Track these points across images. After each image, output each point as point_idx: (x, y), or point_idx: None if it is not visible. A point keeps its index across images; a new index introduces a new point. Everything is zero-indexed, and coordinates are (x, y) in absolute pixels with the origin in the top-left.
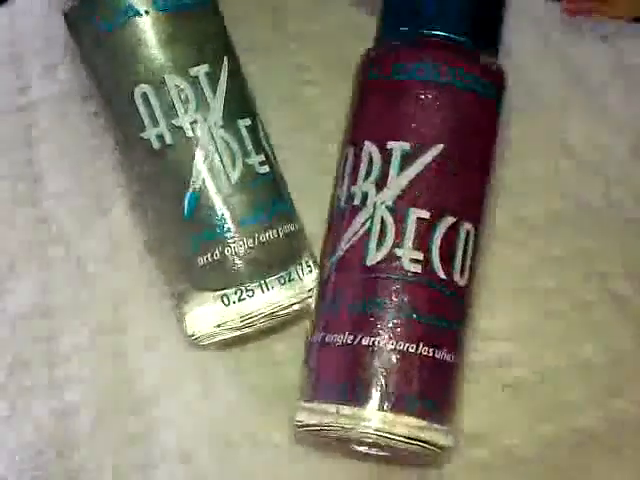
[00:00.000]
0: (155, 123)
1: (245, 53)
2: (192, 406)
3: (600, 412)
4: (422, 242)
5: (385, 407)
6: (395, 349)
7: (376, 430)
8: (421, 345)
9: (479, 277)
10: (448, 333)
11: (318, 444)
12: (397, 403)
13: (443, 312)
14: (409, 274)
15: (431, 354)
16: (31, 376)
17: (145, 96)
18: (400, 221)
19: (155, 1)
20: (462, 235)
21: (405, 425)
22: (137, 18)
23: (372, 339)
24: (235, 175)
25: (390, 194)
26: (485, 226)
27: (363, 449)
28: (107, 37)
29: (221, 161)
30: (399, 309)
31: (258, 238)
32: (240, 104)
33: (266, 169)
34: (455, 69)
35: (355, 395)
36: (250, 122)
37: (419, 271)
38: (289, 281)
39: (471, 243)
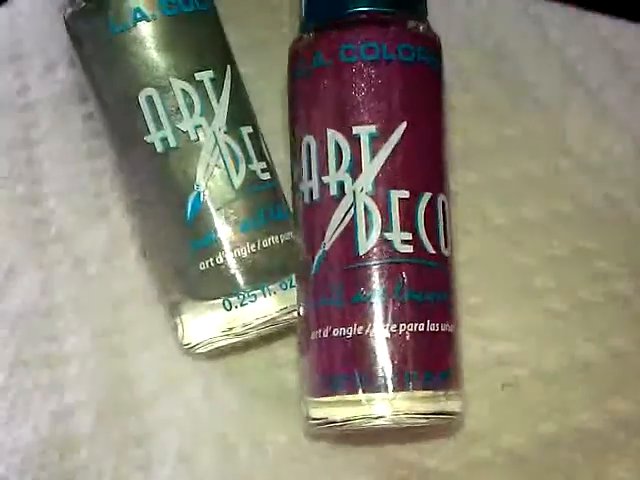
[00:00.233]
0: (160, 126)
1: (245, 53)
2: (192, 407)
3: (600, 411)
4: (408, 222)
5: (405, 387)
6: (405, 330)
7: (401, 412)
8: (428, 322)
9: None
10: (444, 304)
11: (329, 437)
12: (415, 381)
13: (438, 286)
14: (402, 256)
15: (438, 328)
16: (31, 377)
17: (150, 99)
18: (383, 205)
19: (162, 6)
20: (439, 208)
21: (426, 400)
22: (145, 22)
23: (381, 325)
24: (238, 180)
25: (368, 180)
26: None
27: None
28: (112, 41)
29: (225, 166)
30: (400, 291)
31: (260, 243)
32: (242, 112)
33: (267, 176)
34: (401, 43)
35: (374, 381)
36: (252, 130)
37: (411, 251)
38: (290, 287)
39: (447, 213)
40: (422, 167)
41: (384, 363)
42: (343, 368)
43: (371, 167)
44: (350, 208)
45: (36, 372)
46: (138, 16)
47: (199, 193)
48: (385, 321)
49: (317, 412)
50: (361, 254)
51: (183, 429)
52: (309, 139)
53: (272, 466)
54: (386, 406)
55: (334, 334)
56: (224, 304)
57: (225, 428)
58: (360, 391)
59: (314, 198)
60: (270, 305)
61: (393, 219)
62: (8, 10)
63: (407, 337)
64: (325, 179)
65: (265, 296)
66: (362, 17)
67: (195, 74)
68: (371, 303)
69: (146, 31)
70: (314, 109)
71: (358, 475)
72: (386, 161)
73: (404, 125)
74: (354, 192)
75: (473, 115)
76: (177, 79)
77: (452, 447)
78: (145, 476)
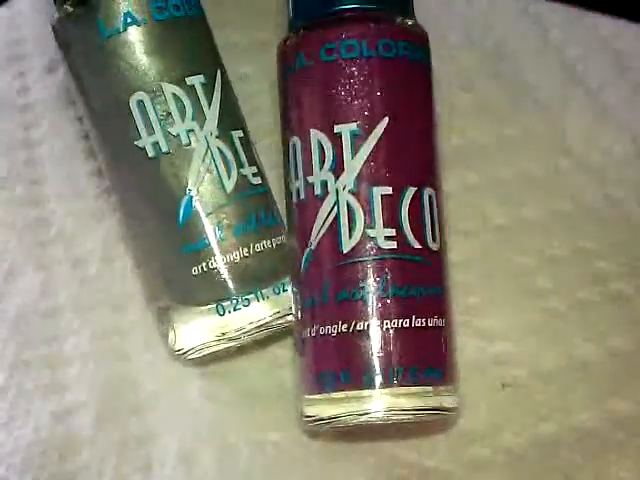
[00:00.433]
0: (151, 131)
1: (245, 53)
2: (192, 407)
3: (600, 411)
4: (391, 218)
5: (390, 383)
6: (389, 327)
7: (387, 409)
8: (413, 318)
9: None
10: (434, 299)
11: (329, 437)
12: (401, 377)
13: (425, 280)
14: (386, 252)
15: (424, 324)
16: (32, 377)
17: (141, 104)
18: (366, 202)
19: (153, 10)
20: (426, 202)
21: (412, 396)
22: (135, 27)
23: (365, 322)
24: (230, 185)
25: (350, 178)
26: (441, 188)
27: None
28: (102, 46)
29: (217, 170)
30: (384, 288)
31: (252, 248)
32: (232, 116)
33: (258, 180)
34: (381, 39)
35: (359, 378)
36: (242, 134)
37: (395, 247)
38: (283, 291)
39: (435, 207)
40: (406, 162)
41: (368, 360)
42: (330, 366)
43: (353, 165)
44: (333, 207)
45: (36, 373)
46: (128, 20)
47: (191, 198)
48: (369, 318)
49: (309, 410)
50: (345, 252)
51: (183, 429)
52: (295, 140)
53: (272, 466)
54: (372, 403)
55: (321, 332)
56: (217, 309)
57: (225, 428)
58: (346, 388)
59: (301, 198)
60: (263, 309)
61: (376, 216)
62: (8, 10)
63: (391, 333)
64: (310, 179)
65: (258, 300)
66: (346, 15)
67: (186, 78)
68: (356, 300)
69: (136, 36)
70: (299, 110)
71: (358, 475)
72: (368, 158)
73: (386, 121)
74: (337, 190)
75: (473, 115)
76: (168, 83)
77: (451, 447)
78: (145, 476)
